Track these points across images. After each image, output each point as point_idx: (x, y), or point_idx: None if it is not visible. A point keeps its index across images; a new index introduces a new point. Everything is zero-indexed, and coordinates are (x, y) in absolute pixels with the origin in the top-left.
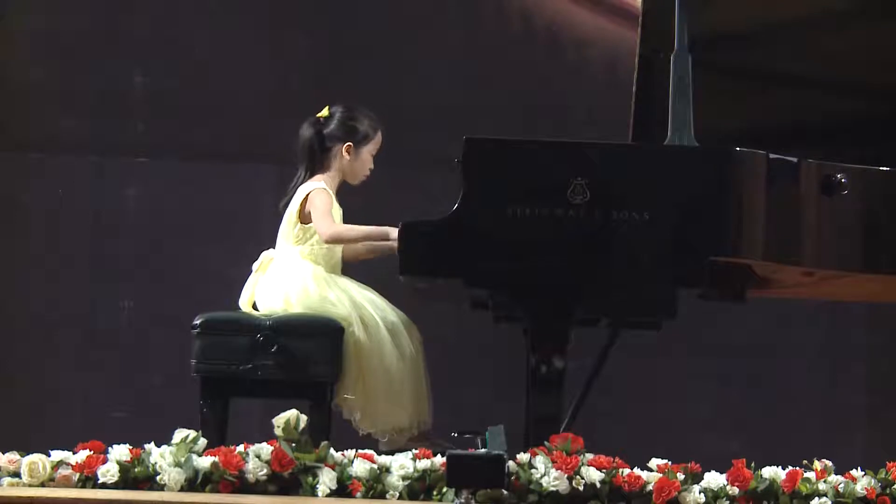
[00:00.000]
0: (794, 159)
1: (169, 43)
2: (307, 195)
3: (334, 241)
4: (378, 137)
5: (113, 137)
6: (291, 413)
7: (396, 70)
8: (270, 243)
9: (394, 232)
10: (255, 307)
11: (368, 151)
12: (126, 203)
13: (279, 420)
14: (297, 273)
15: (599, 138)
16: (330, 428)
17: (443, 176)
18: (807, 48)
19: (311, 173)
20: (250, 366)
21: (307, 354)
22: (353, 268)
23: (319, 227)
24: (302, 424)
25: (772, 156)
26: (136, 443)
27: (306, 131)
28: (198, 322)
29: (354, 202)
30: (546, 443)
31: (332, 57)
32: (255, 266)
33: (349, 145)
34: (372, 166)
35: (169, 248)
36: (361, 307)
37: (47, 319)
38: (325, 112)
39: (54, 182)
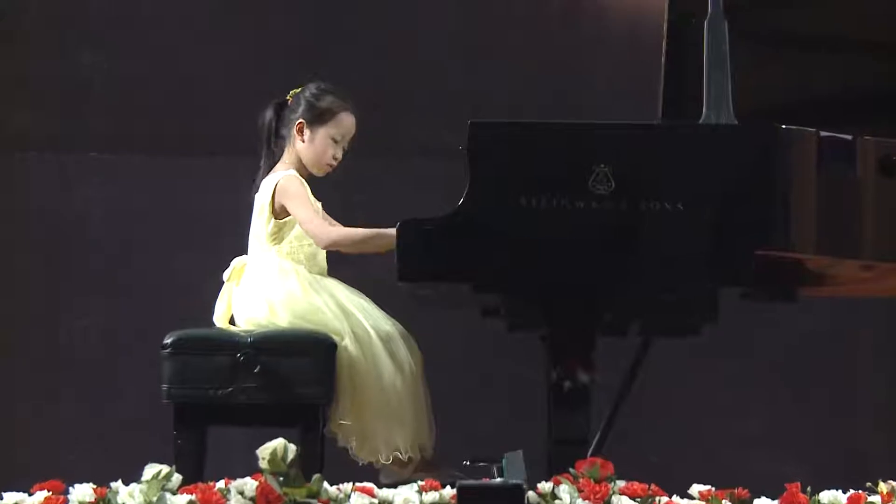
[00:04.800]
0: (849, 137)
1: (132, 22)
2: (276, 185)
3: (332, 245)
4: (343, 119)
5: (71, 131)
6: (278, 442)
7: (389, 46)
8: None
9: None
10: (232, 322)
11: (328, 134)
12: (86, 206)
13: (264, 451)
14: (279, 276)
15: (624, 118)
16: (323, 458)
17: (444, 166)
18: (864, 8)
19: (271, 162)
20: (230, 389)
21: (295, 374)
22: (340, 269)
23: (311, 230)
24: (291, 455)
25: (823, 133)
26: (102, 481)
27: (268, 113)
28: (168, 341)
29: (345, 197)
30: (571, 469)
31: (318, 34)
32: (225, 275)
33: (300, 123)
34: (337, 154)
35: (137, 256)
36: (351, 316)
37: None
38: (293, 92)
39: (6, 183)
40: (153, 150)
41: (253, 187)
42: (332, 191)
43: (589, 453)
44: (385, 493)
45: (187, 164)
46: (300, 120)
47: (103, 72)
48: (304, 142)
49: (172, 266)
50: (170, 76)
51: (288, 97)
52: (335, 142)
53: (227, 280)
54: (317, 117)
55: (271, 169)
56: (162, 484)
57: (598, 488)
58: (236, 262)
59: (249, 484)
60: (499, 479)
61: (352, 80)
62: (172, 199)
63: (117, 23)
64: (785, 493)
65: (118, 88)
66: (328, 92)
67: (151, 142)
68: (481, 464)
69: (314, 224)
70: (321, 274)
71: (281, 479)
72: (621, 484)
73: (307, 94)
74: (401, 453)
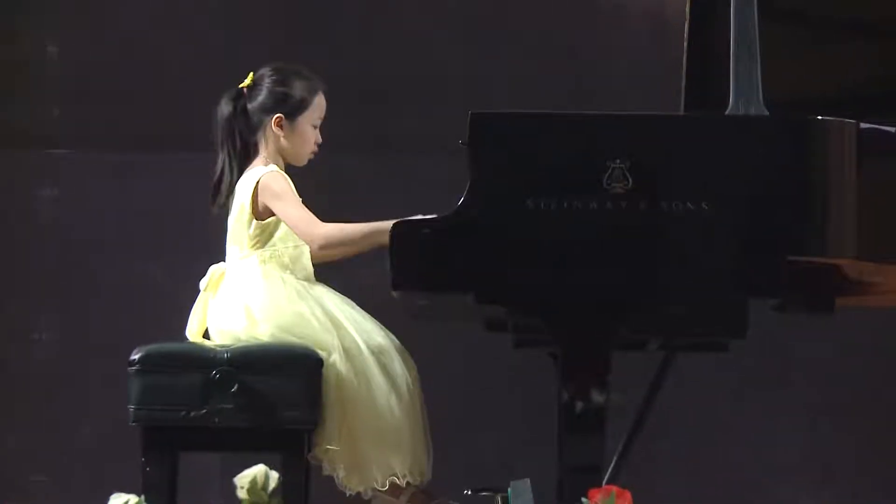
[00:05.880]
0: (893, 129)
1: (94, 9)
2: (257, 183)
3: (329, 246)
4: (319, 101)
5: (22, 124)
6: (258, 470)
7: (380, 31)
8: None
9: None
10: (207, 336)
11: (308, 121)
12: (41, 206)
13: (243, 479)
14: (261, 283)
15: (643, 109)
16: (308, 488)
17: (444, 163)
18: None
19: (240, 160)
20: (204, 411)
21: (277, 394)
22: (327, 275)
23: (303, 229)
24: (272, 484)
25: (864, 125)
26: None
27: (225, 108)
28: (136, 357)
29: (333, 198)
30: (584, 499)
31: (302, 17)
32: (202, 284)
33: (279, 117)
34: (319, 139)
35: (100, 263)
36: (341, 327)
37: None
38: (248, 80)
39: None
40: (118, 146)
41: (213, 190)
42: (319, 191)
43: (604, 481)
44: None
45: (156, 161)
46: (278, 115)
47: (57, 56)
48: (284, 136)
49: (142, 273)
50: (135, 63)
51: (242, 86)
52: (314, 127)
53: (205, 290)
54: (295, 108)
55: (241, 168)
56: None
57: None
58: (214, 270)
59: None
60: None
61: (343, 70)
62: (139, 200)
63: (78, 10)
64: None
65: (74, 76)
66: (294, 76)
67: (116, 136)
68: (484, 493)
69: (306, 222)
70: (308, 280)
71: None
72: None
73: (268, 82)
74: (398, 478)
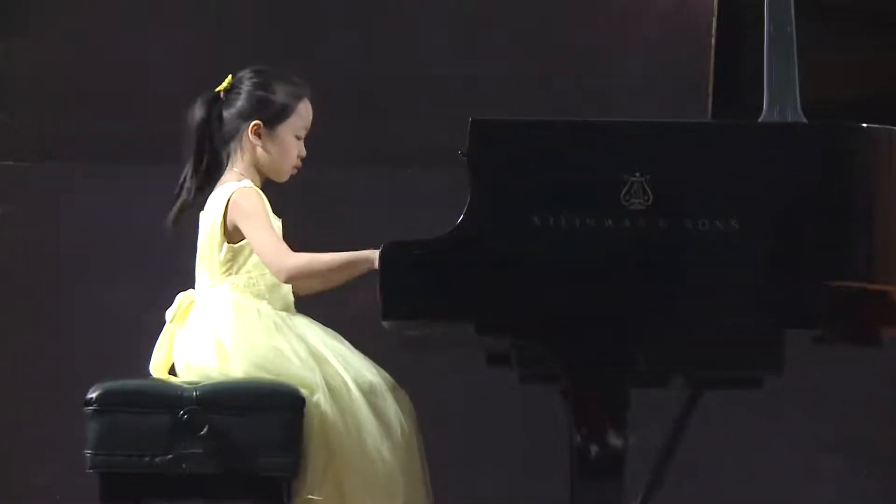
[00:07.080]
0: None
1: (58, 8)
2: (228, 200)
3: (296, 278)
4: (303, 110)
5: None
6: None
7: (374, 34)
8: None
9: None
10: (173, 372)
11: (290, 131)
12: None
13: None
14: (234, 314)
15: (644, 110)
16: None
17: (443, 176)
18: None
19: (206, 172)
20: (170, 456)
21: (252, 438)
22: (311, 304)
23: (268, 257)
24: None
25: None
26: None
27: (198, 112)
28: (93, 395)
29: (315, 215)
30: None
31: (288, 15)
32: (169, 314)
33: (256, 124)
34: (302, 153)
35: (59, 287)
36: (326, 363)
37: None
38: (225, 83)
39: None
40: (78, 158)
41: (175, 209)
42: (306, 207)
43: None
44: None
45: (120, 174)
46: (255, 122)
47: (9, 58)
48: (262, 146)
49: (101, 300)
50: (102, 64)
51: (219, 89)
52: (298, 138)
53: (171, 321)
54: (276, 115)
55: (205, 181)
56: None
57: None
58: (182, 299)
59: None
60: None
61: (335, 76)
62: (104, 216)
63: (37, 9)
64: None
65: (32, 80)
66: (277, 80)
67: (75, 148)
68: None
69: (272, 250)
70: (287, 310)
71: None
72: None
73: (248, 86)
74: None
